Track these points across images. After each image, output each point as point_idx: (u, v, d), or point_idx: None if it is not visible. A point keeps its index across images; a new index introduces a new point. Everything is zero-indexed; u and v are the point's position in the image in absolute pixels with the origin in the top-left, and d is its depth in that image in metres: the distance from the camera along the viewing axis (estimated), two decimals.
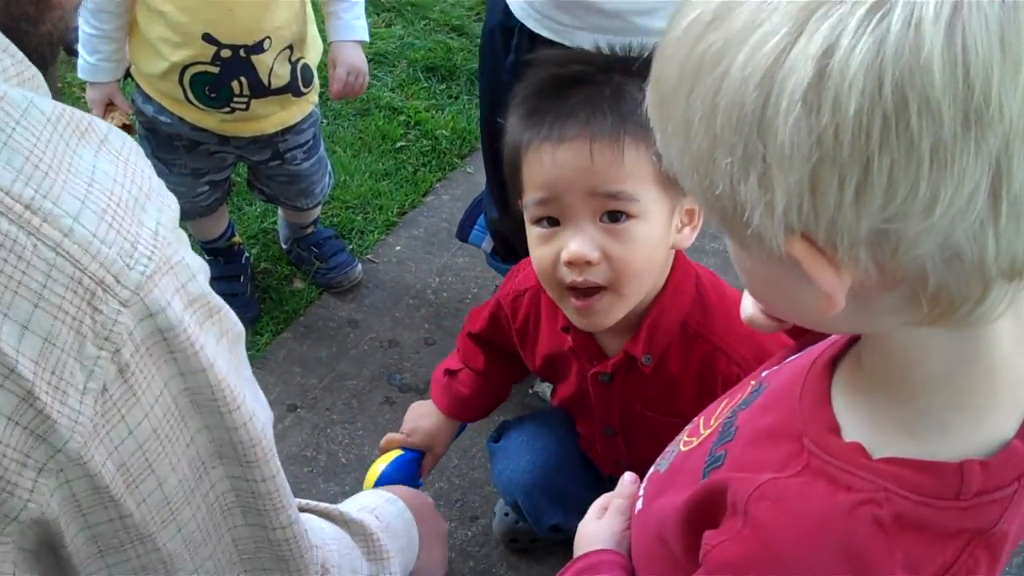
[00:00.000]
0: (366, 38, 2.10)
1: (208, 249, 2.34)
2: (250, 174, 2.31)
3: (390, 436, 1.67)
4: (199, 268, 0.79)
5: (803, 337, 0.96)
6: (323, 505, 1.14)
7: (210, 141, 2.10)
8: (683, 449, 0.98)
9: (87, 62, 2.00)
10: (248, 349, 2.26)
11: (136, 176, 0.76)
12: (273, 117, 2.08)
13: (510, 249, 2.08)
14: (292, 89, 2.05)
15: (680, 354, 1.37)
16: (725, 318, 1.35)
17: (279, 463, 0.89)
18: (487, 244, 2.18)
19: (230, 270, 2.33)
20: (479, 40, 3.18)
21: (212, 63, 1.95)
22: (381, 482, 1.60)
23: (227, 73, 1.96)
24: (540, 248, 1.30)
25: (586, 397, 1.49)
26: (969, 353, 0.67)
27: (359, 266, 2.46)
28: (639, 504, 1.03)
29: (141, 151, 0.81)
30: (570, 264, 1.25)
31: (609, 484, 1.27)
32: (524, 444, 1.73)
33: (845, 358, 0.78)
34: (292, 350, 2.31)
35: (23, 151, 0.69)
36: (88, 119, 0.76)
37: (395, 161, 2.80)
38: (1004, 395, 0.69)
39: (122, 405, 0.73)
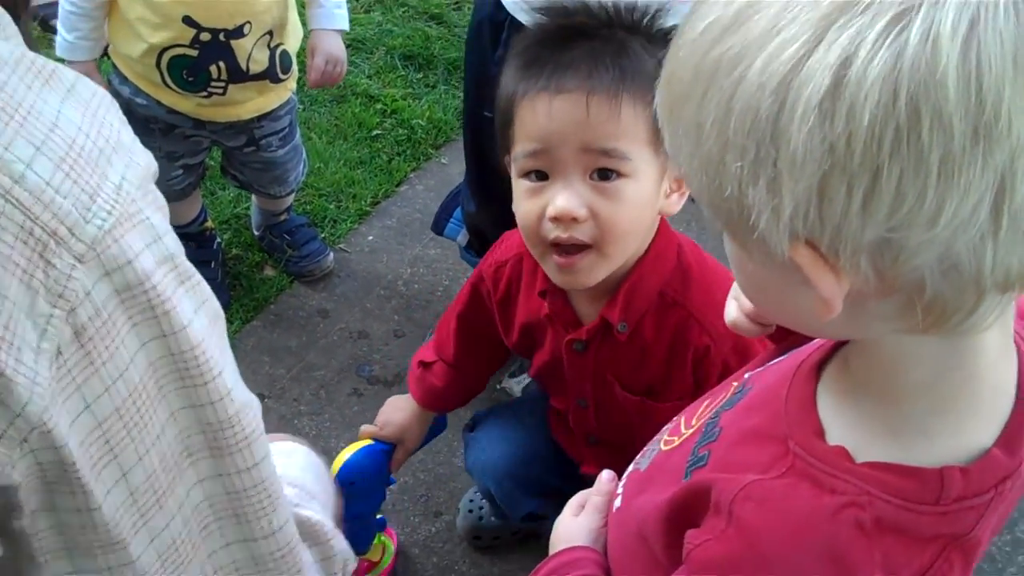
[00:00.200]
0: (346, 27, 2.09)
1: (180, 234, 2.28)
2: (224, 159, 2.29)
3: (364, 428, 1.67)
4: (166, 232, 0.74)
5: (786, 340, 0.97)
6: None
7: (185, 125, 2.08)
8: (664, 448, 0.98)
9: (65, 40, 1.97)
10: None
11: (104, 128, 0.72)
12: (250, 103, 2.06)
13: (485, 243, 2.07)
14: (270, 75, 2.03)
15: (655, 322, 1.36)
16: (703, 288, 1.35)
17: (267, 455, 0.83)
18: (462, 237, 2.18)
19: (201, 255, 2.31)
20: (457, 29, 3.22)
21: (191, 46, 1.93)
22: (345, 469, 1.60)
23: (206, 57, 1.94)
24: (526, 202, 1.27)
25: (560, 367, 1.48)
26: (956, 361, 0.68)
27: (331, 255, 2.45)
28: (617, 502, 1.03)
29: (115, 105, 0.77)
30: (556, 220, 1.23)
31: (585, 480, 1.28)
32: (497, 434, 1.73)
33: (831, 362, 0.79)
34: (261, 339, 2.29)
35: None
36: (53, 66, 0.72)
37: (370, 150, 2.78)
38: (985, 403, 0.71)
39: (78, 373, 0.68)
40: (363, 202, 2.63)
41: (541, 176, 1.25)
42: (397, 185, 2.72)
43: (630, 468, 1.05)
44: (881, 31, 0.54)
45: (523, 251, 1.43)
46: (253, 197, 2.45)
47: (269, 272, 2.44)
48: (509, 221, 1.50)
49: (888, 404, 0.71)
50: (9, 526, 0.70)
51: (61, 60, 2.02)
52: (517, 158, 1.27)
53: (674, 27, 1.30)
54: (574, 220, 1.23)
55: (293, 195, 2.40)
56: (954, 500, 0.68)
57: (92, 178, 0.69)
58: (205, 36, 1.92)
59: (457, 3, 3.38)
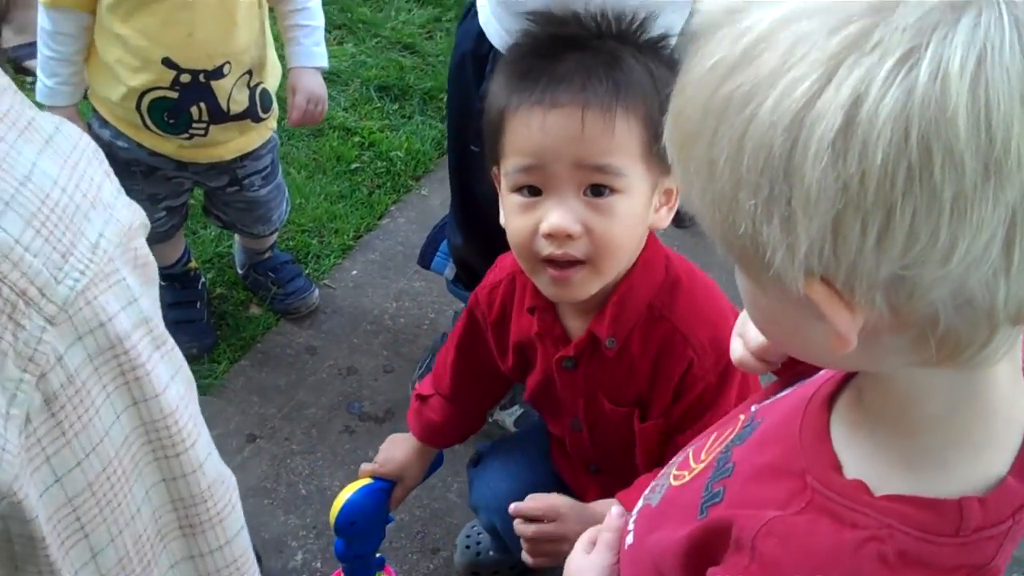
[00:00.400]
0: (326, 64, 2.08)
1: (164, 275, 2.29)
2: (207, 200, 2.28)
3: (364, 466, 1.66)
4: (143, 294, 0.71)
5: (790, 371, 0.97)
6: None
7: (167, 167, 2.07)
8: (674, 484, 0.98)
9: (45, 85, 1.96)
10: (205, 377, 2.24)
11: (83, 182, 0.70)
12: (231, 143, 2.05)
13: (473, 276, 2.07)
14: (251, 115, 2.03)
15: (642, 336, 1.35)
16: (690, 301, 1.34)
17: (241, 529, 0.80)
18: (449, 271, 2.17)
19: (186, 296, 2.29)
20: (431, 59, 3.23)
21: (171, 88, 1.92)
22: (346, 509, 1.59)
23: (186, 98, 1.94)
24: (518, 218, 1.26)
25: (553, 387, 1.47)
26: (969, 393, 0.69)
27: (316, 291, 2.44)
28: (629, 538, 1.03)
29: (99, 157, 0.74)
30: (550, 236, 1.22)
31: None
32: (501, 468, 1.72)
33: (843, 394, 0.79)
34: (250, 378, 2.27)
35: None
36: (31, 116, 0.70)
37: (350, 183, 2.78)
38: (999, 434, 0.71)
39: (48, 444, 0.65)
40: (345, 236, 2.63)
41: (534, 191, 1.24)
42: (379, 218, 2.71)
43: (640, 503, 1.05)
44: (891, 70, 0.54)
45: (516, 271, 1.42)
46: (236, 236, 2.44)
47: (255, 310, 2.43)
48: (496, 253, 1.50)
49: (904, 436, 0.72)
50: None
51: (41, 106, 2.01)
52: (508, 173, 1.26)
53: (663, 36, 1.32)
54: (568, 237, 1.22)
55: (277, 233, 2.39)
56: (974, 531, 0.69)
57: (66, 235, 0.66)
58: (185, 78, 1.92)
59: (429, 32, 3.38)
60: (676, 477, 0.97)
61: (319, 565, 1.94)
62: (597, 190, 1.22)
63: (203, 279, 2.40)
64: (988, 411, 0.70)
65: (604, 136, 1.20)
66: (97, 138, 2.00)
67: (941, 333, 0.61)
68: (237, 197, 2.18)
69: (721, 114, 0.60)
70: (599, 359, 1.38)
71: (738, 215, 0.61)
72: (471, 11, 1.89)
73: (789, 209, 0.58)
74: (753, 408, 0.95)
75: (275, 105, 2.10)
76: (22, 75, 2.61)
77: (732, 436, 0.92)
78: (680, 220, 1.36)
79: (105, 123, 2.02)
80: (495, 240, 1.36)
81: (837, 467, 0.74)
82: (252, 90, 2.00)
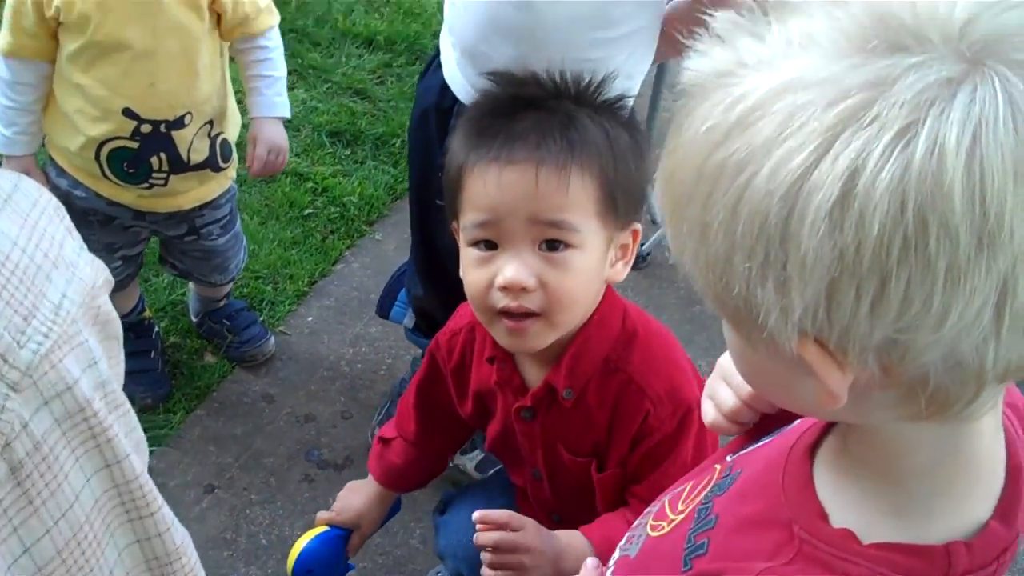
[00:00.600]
0: (287, 114, 2.09)
1: None
2: (163, 249, 2.26)
3: (320, 514, 1.65)
4: (102, 356, 0.70)
5: (760, 428, 0.99)
6: None
7: (125, 216, 2.06)
8: (652, 534, 0.98)
9: (3, 135, 1.94)
10: (161, 427, 2.22)
11: (43, 242, 0.68)
12: (191, 193, 2.05)
13: (433, 324, 2.08)
14: (211, 164, 2.02)
15: (599, 387, 1.37)
16: (646, 352, 1.37)
17: None
18: (408, 320, 2.18)
19: (140, 345, 2.27)
20: (382, 104, 3.24)
21: (132, 138, 1.91)
22: (302, 558, 1.58)
23: (147, 149, 1.93)
24: (475, 271, 1.29)
25: (512, 437, 1.48)
26: (954, 446, 0.71)
27: (272, 339, 2.43)
28: None
29: (60, 214, 0.72)
30: (505, 289, 1.25)
31: None
32: (468, 517, 1.72)
33: (825, 443, 0.81)
34: (206, 428, 2.25)
35: None
36: None
37: (303, 229, 2.78)
38: (983, 482, 0.73)
39: (15, 514, 0.63)
40: (300, 283, 2.62)
41: (490, 246, 1.27)
42: (333, 264, 2.71)
43: (617, 554, 1.06)
44: (888, 144, 0.56)
45: (475, 321, 1.43)
46: (191, 284, 2.42)
47: (210, 359, 2.41)
48: (457, 303, 1.52)
49: (890, 485, 0.73)
50: None
51: None
52: (466, 227, 1.29)
53: (620, 97, 1.36)
54: (523, 290, 1.25)
55: (233, 282, 2.37)
56: (961, 575, 0.70)
57: (28, 297, 0.64)
58: (146, 128, 1.91)
59: (380, 78, 3.40)
60: (654, 527, 0.98)
61: None
62: (552, 245, 1.25)
63: (157, 328, 2.37)
64: (973, 463, 0.72)
65: (558, 193, 1.23)
66: (54, 187, 2.00)
67: (931, 391, 0.62)
68: (195, 246, 2.17)
69: (715, 179, 0.61)
70: (557, 410, 1.40)
71: (732, 277, 0.62)
72: (432, 66, 1.92)
73: (784, 274, 0.59)
74: (729, 458, 0.96)
75: (235, 155, 2.10)
76: None
77: (711, 486, 0.93)
78: (635, 261, 1.40)
79: (63, 172, 2.00)
80: (457, 291, 1.38)
81: (824, 516, 0.75)
82: (213, 140, 2.00)
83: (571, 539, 1.40)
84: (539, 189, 1.22)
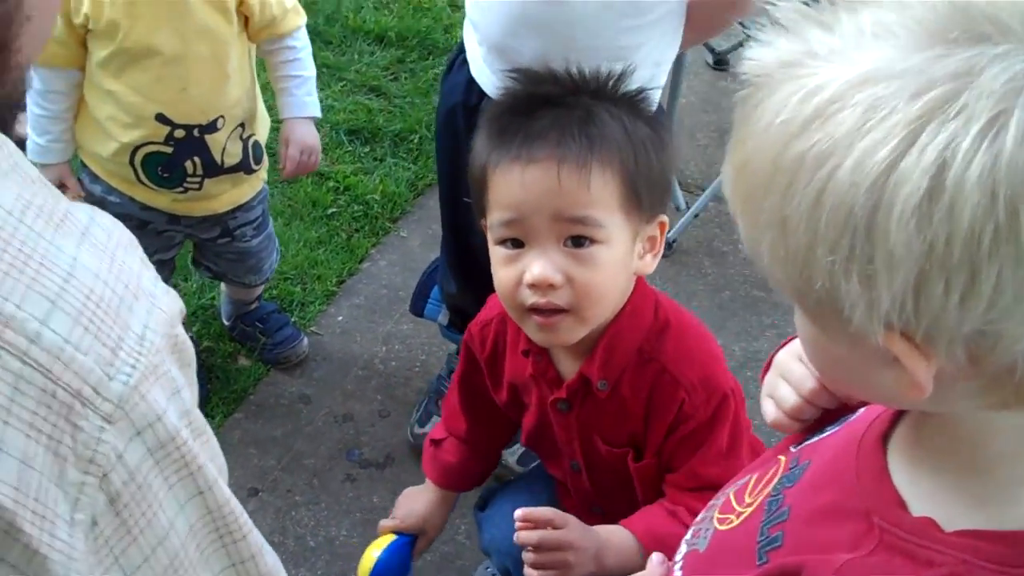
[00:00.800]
0: (318, 114, 2.09)
1: None
2: (196, 252, 2.26)
3: (383, 523, 1.65)
4: (184, 384, 0.71)
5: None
6: None
7: (159, 220, 2.05)
8: (720, 528, 0.98)
9: (37, 143, 1.93)
10: None
11: (123, 274, 0.69)
12: (225, 196, 2.04)
13: (467, 320, 2.08)
14: (244, 167, 2.02)
15: (633, 378, 1.38)
16: (678, 341, 1.37)
17: None
18: (443, 316, 2.18)
19: None
20: (398, 100, 3.23)
21: (165, 143, 1.91)
22: (378, 569, 1.58)
23: (181, 153, 1.93)
24: (503, 269, 1.30)
25: (548, 429, 1.49)
26: None
27: (305, 340, 2.43)
28: None
29: (134, 244, 0.74)
30: (533, 286, 1.26)
31: None
32: (510, 510, 1.71)
33: (897, 432, 0.80)
34: (246, 431, 2.25)
35: None
36: (65, 208, 0.69)
37: (328, 228, 2.77)
38: None
39: (115, 544, 0.65)
40: (328, 283, 2.62)
41: (517, 244, 1.28)
42: (360, 262, 2.71)
43: (684, 549, 1.05)
44: (976, 135, 0.55)
45: (505, 312, 1.44)
46: (223, 287, 2.42)
47: (244, 362, 2.41)
48: None
49: (971, 474, 0.73)
50: None
51: (33, 164, 1.98)
52: (492, 226, 1.30)
53: (640, 90, 1.36)
54: (550, 286, 1.26)
55: (266, 283, 2.37)
56: None
57: (113, 330, 0.65)
58: (179, 133, 1.91)
59: (393, 74, 3.39)
60: (721, 520, 0.97)
61: None
62: (577, 241, 1.26)
63: (190, 332, 2.37)
64: None
65: (580, 189, 1.24)
66: (88, 194, 1.99)
67: (1018, 379, 0.62)
68: (228, 248, 2.16)
69: (795, 171, 0.61)
70: (592, 401, 1.41)
71: (814, 270, 0.62)
72: (456, 63, 1.91)
73: (871, 268, 0.59)
74: (793, 449, 0.96)
75: (266, 156, 2.09)
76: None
77: (778, 478, 0.92)
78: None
79: (96, 178, 2.00)
80: (491, 285, 1.39)
81: (902, 505, 0.75)
82: (245, 142, 2.00)
83: (611, 534, 1.40)
84: (561, 187, 1.23)
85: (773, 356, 1.03)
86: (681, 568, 1.03)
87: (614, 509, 1.54)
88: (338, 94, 3.26)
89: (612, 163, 1.26)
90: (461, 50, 1.90)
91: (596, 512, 1.58)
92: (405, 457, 2.21)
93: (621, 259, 1.29)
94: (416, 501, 1.67)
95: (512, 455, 2.17)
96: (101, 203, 1.99)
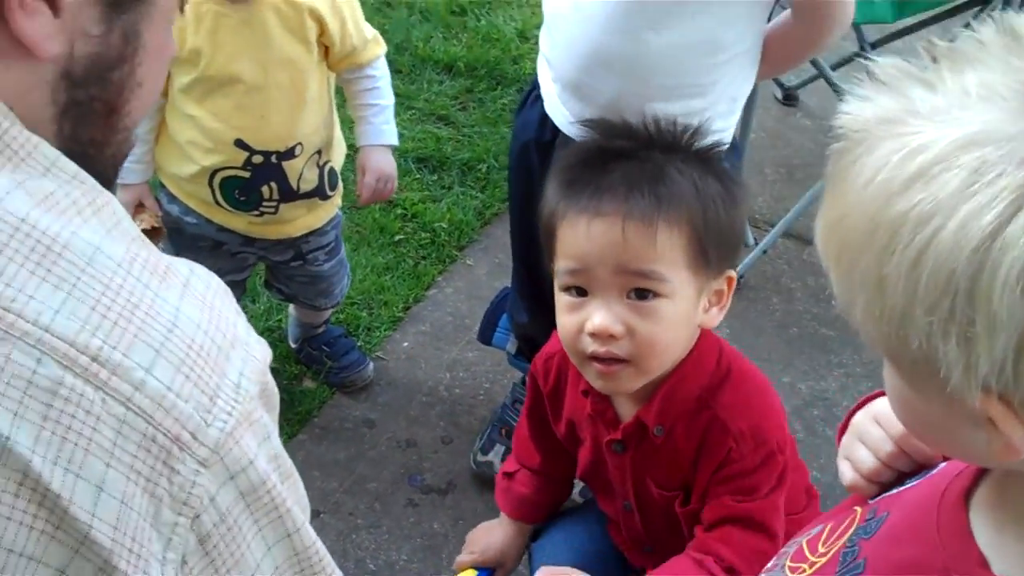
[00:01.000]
0: (395, 142, 2.11)
1: None
2: (269, 274, 2.29)
3: (460, 559, 1.66)
4: (273, 430, 0.74)
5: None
6: None
7: (233, 242, 2.09)
8: None
9: None
10: None
11: (222, 323, 0.72)
12: (299, 220, 2.07)
13: (537, 350, 2.09)
14: (319, 193, 2.05)
15: (687, 424, 1.38)
16: (735, 391, 1.37)
17: None
18: (511, 345, 2.19)
19: None
20: (466, 129, 3.26)
21: (243, 168, 1.94)
22: None
23: (258, 178, 1.96)
24: (566, 316, 1.32)
25: (603, 467, 1.50)
26: None
27: (370, 364, 2.45)
28: None
29: (229, 295, 0.77)
30: (593, 335, 1.28)
31: None
32: (562, 542, 1.73)
33: (980, 489, 0.79)
34: (310, 452, 2.27)
35: (89, 300, 0.65)
36: (166, 262, 0.72)
37: (395, 255, 2.80)
38: None
39: None
40: (395, 308, 2.64)
41: (581, 292, 1.30)
42: (426, 289, 2.73)
43: None
44: None
45: None
46: (291, 309, 2.45)
47: (309, 384, 2.43)
48: None
49: None
50: None
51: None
52: (558, 273, 1.33)
53: (714, 145, 1.37)
54: (611, 337, 1.27)
55: (336, 307, 2.40)
56: None
57: (212, 378, 0.68)
58: (257, 159, 1.94)
59: (462, 104, 3.43)
60: (793, 569, 0.96)
61: None
62: (641, 293, 1.27)
63: None
64: None
65: (646, 245, 1.25)
66: (166, 214, 2.03)
67: None
68: (301, 271, 2.19)
69: (895, 231, 0.61)
70: (647, 445, 1.42)
71: (911, 330, 0.61)
72: (529, 99, 1.93)
73: (972, 331, 0.59)
74: (871, 500, 0.95)
75: (340, 182, 2.12)
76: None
77: (853, 528, 0.92)
78: None
79: (174, 199, 2.04)
80: None
81: (985, 564, 0.73)
82: (321, 169, 2.03)
83: None
84: (627, 241, 1.25)
85: (850, 416, 1.03)
86: None
87: (665, 549, 1.54)
88: (407, 122, 3.29)
89: (680, 221, 1.27)
90: (535, 86, 1.91)
91: (647, 551, 1.58)
92: (467, 484, 2.22)
93: (684, 313, 1.30)
94: (492, 535, 1.68)
95: (576, 485, 2.17)
96: (177, 223, 2.04)
